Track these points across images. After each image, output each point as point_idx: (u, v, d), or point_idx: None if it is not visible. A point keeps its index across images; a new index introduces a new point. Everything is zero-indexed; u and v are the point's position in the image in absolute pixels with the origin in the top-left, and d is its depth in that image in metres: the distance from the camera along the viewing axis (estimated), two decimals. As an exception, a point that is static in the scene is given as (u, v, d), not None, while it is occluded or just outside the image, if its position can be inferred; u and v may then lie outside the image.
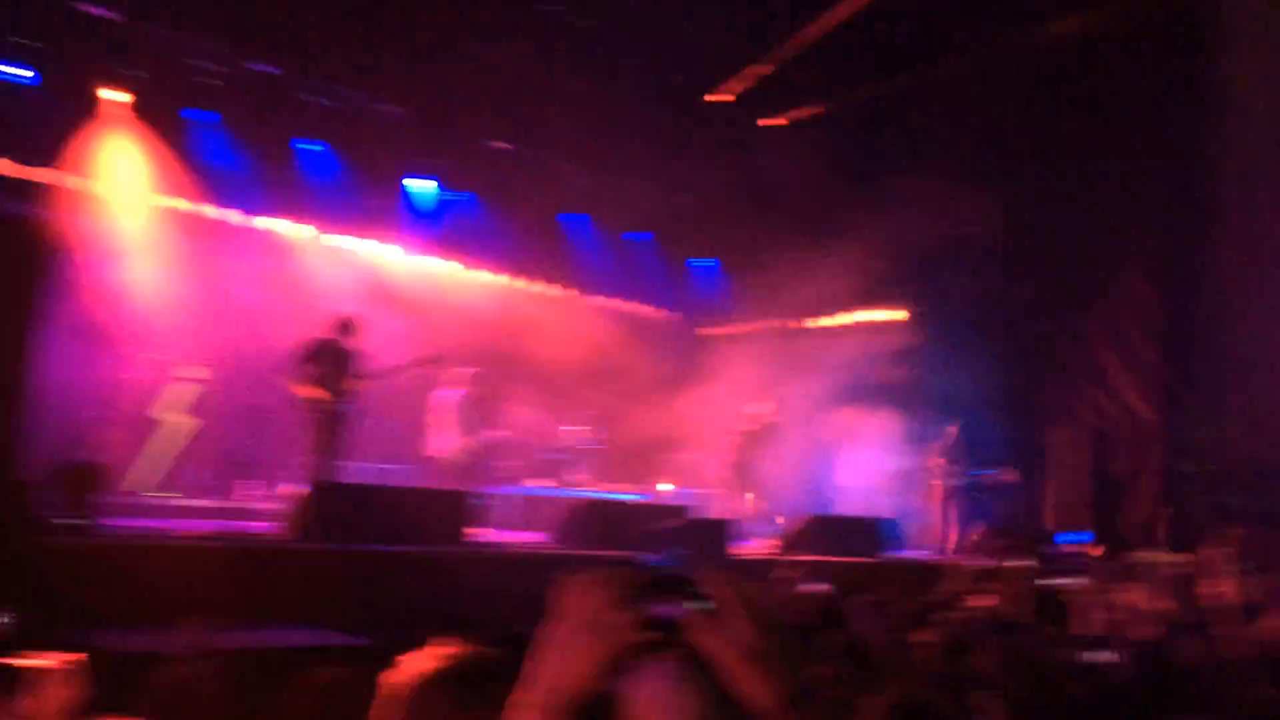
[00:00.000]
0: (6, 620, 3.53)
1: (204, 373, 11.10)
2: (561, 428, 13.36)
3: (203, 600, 5.62)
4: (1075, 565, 8.48)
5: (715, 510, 12.95)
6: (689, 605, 1.35)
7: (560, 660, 1.32)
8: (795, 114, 14.29)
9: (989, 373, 13.82)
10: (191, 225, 12.15)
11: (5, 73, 10.67)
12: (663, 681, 2.13)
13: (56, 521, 6.29)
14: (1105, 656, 3.73)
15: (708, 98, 13.87)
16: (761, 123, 14.10)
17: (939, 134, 13.98)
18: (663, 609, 1.36)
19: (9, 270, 6.79)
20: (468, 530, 8.06)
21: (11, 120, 10.78)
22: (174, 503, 10.25)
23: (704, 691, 2.10)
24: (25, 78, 10.75)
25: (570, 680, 1.32)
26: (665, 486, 14.48)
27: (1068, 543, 12.19)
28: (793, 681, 1.30)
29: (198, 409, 10.97)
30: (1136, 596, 5.81)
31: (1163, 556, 8.54)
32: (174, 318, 11.47)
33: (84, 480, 6.66)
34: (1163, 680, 3.55)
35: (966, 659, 3.27)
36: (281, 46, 11.76)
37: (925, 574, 9.04)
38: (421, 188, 14.32)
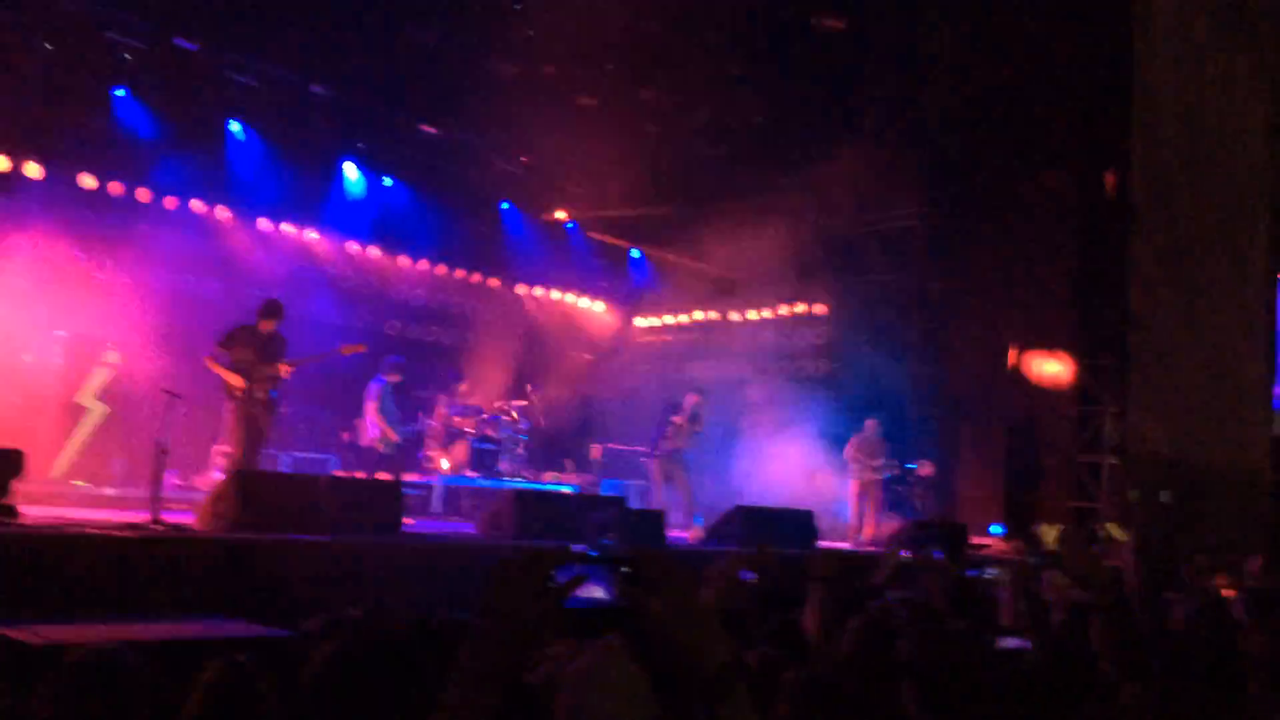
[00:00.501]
0: None
1: (118, 357, 10.83)
2: (491, 417, 13.29)
3: (118, 591, 5.51)
4: (992, 556, 8.70)
5: (643, 500, 13.02)
6: (624, 587, 1.37)
7: (493, 642, 1.34)
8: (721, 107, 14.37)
9: (906, 366, 14.13)
10: (116, 204, 11.83)
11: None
12: (598, 663, 2.16)
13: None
14: (1017, 643, 3.84)
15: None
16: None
17: (865, 128, 14.18)
18: (596, 591, 1.38)
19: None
20: (400, 521, 7.97)
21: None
22: (90, 491, 9.99)
23: (640, 672, 2.13)
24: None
25: (503, 661, 1.34)
26: (590, 477, 14.50)
27: (988, 535, 12.51)
28: (729, 658, 1.34)
29: (114, 394, 10.71)
30: (1051, 583, 5.99)
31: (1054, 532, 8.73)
32: (96, 300, 11.17)
33: (1, 468, 6.45)
34: (1075, 666, 3.67)
35: (889, 648, 3.34)
36: (205, 23, 11.52)
37: (848, 566, 9.17)
38: (352, 172, 14.13)
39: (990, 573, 5.99)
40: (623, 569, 1.38)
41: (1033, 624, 4.42)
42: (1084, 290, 13.26)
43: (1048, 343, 13.55)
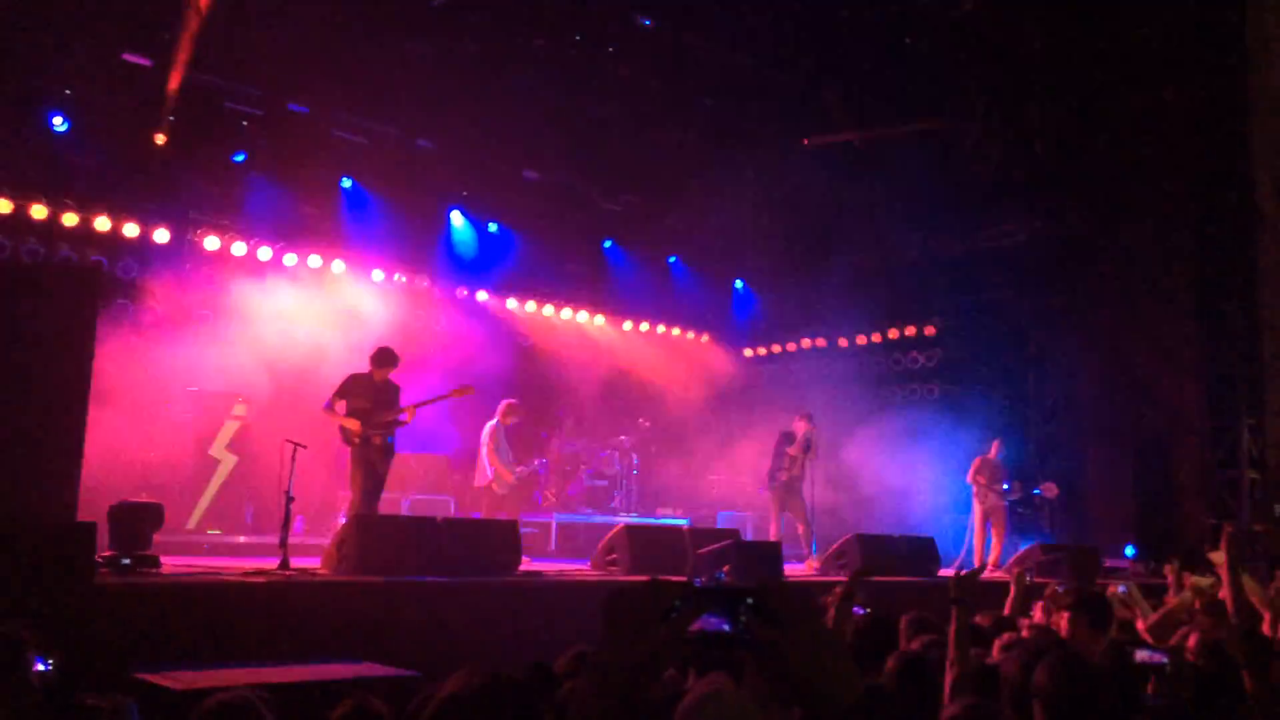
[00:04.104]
0: (52, 665, 3.56)
1: (246, 409, 11.27)
2: (604, 453, 13.38)
3: (251, 635, 5.71)
4: (1126, 580, 8.35)
5: (758, 532, 12.92)
6: (749, 620, 1.35)
7: (612, 671, 1.34)
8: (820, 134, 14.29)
9: (1024, 385, 13.71)
10: (239, 263, 12.35)
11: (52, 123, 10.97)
12: (708, 699, 2.14)
13: (112, 561, 6.40)
14: (1155, 658, 3.69)
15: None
16: (806, 142, 14.05)
17: (970, 147, 13.92)
18: (717, 623, 1.37)
19: (68, 315, 6.95)
20: (518, 559, 8.07)
21: (53, 166, 11.11)
22: (223, 539, 10.40)
23: (750, 707, 2.10)
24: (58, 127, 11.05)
25: (621, 690, 1.34)
26: (705, 510, 14.45)
27: (1123, 557, 12.03)
28: (861, 693, 1.32)
29: (243, 445, 11.13)
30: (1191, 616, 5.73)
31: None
32: (224, 355, 11.66)
33: (140, 520, 6.77)
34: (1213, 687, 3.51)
35: (1020, 678, 3.24)
36: (314, 86, 12.01)
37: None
38: (459, 221, 14.49)
39: (1121, 589, 5.75)
40: (748, 600, 1.36)
41: (1175, 654, 4.24)
42: (1209, 298, 12.72)
43: (1173, 357, 13.01)
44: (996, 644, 4.32)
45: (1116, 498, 13.03)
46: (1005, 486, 12.02)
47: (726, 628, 1.35)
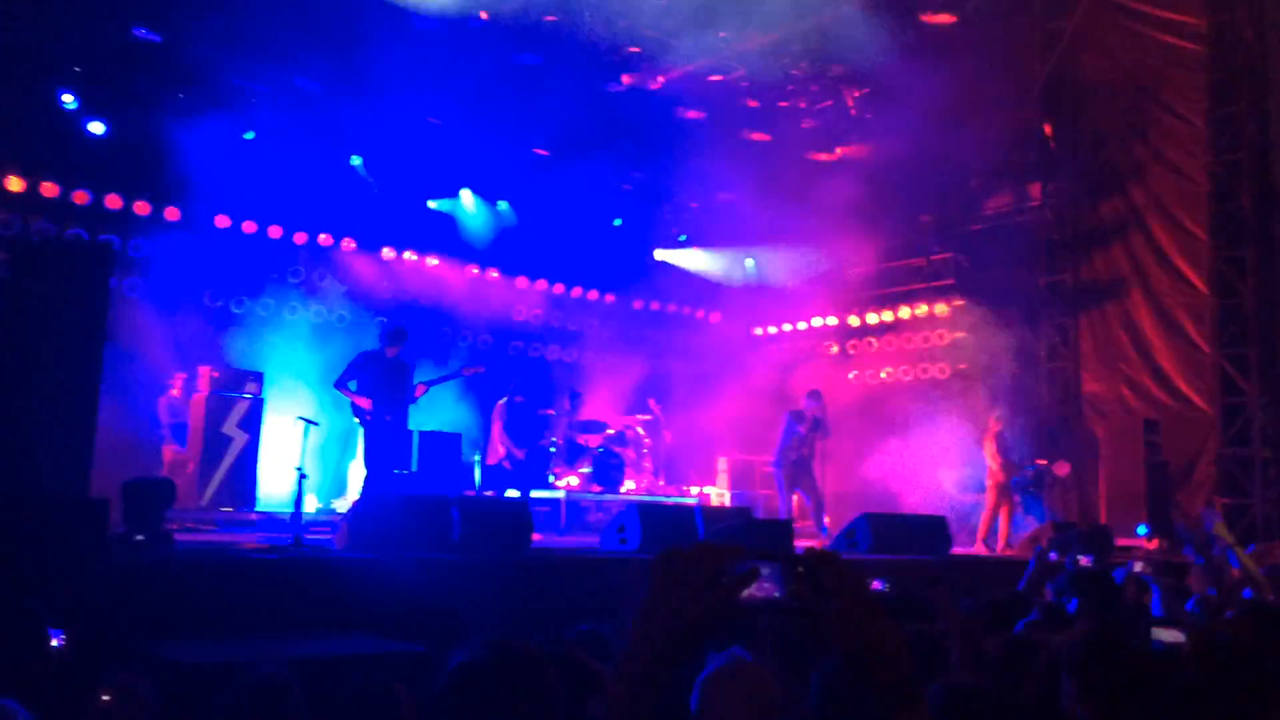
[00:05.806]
0: (61, 641, 3.56)
1: (258, 387, 11.28)
2: (615, 432, 13.37)
3: (262, 610, 5.73)
4: (1137, 558, 8.33)
5: (768, 511, 12.92)
6: (799, 588, 1.35)
7: (659, 634, 1.33)
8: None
9: (1036, 362, 13.62)
10: (250, 241, 12.35)
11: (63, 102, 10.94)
12: (728, 672, 2.14)
13: (124, 538, 6.42)
14: (1173, 636, 3.68)
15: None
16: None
17: (978, 119, 13.80)
18: (769, 590, 1.36)
19: (79, 292, 6.96)
20: (529, 538, 8.07)
21: (63, 144, 11.10)
22: (236, 516, 10.44)
23: (770, 680, 2.10)
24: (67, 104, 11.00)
25: (667, 654, 1.33)
26: (715, 489, 14.47)
27: (1135, 535, 11.98)
28: (909, 663, 1.32)
29: (256, 423, 11.15)
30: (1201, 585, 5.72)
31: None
32: (235, 333, 11.68)
33: (153, 496, 6.78)
34: (1238, 665, 3.49)
35: (1036, 656, 3.24)
36: (322, 64, 11.95)
37: (980, 572, 8.96)
38: (468, 199, 14.45)
39: (1136, 568, 5.72)
40: (799, 568, 1.36)
41: (1190, 620, 4.22)
42: (1222, 276, 12.62)
43: (1184, 333, 12.92)
44: (1019, 623, 4.30)
45: (1127, 476, 12.96)
46: (1014, 464, 11.92)
47: (778, 594, 1.34)
